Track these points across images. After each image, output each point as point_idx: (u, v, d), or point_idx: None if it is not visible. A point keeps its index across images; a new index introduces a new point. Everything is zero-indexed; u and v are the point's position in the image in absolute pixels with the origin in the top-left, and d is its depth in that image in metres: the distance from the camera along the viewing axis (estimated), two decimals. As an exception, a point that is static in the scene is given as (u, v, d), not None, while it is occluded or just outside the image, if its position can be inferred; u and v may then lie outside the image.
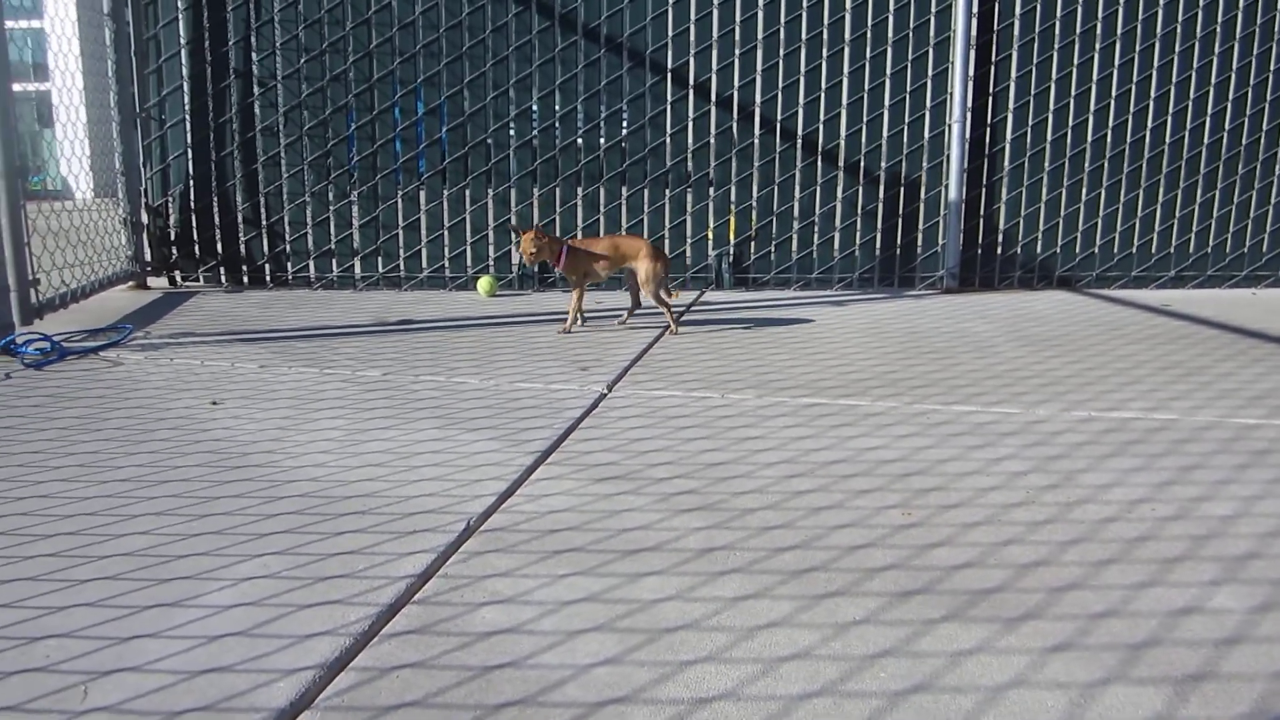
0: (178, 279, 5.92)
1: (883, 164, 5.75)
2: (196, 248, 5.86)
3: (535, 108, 5.70)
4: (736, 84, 5.66)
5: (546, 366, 3.95)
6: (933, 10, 5.59)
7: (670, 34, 5.60)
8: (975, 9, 5.57)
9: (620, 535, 2.28)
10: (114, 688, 1.67)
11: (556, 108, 5.68)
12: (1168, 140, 5.70)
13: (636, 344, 4.33)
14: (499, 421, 3.20)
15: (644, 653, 1.76)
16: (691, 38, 5.61)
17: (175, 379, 3.76)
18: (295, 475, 2.70)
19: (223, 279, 5.92)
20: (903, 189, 5.80)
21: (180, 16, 5.58)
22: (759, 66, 5.64)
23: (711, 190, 5.78)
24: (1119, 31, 5.60)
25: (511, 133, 5.73)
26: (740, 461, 2.80)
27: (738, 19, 5.58)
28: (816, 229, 5.83)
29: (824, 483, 2.62)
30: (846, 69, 5.65)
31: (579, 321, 4.73)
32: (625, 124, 5.69)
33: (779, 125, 5.71)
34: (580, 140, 5.73)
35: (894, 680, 1.67)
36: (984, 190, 5.79)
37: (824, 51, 5.63)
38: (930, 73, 5.66)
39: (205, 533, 2.31)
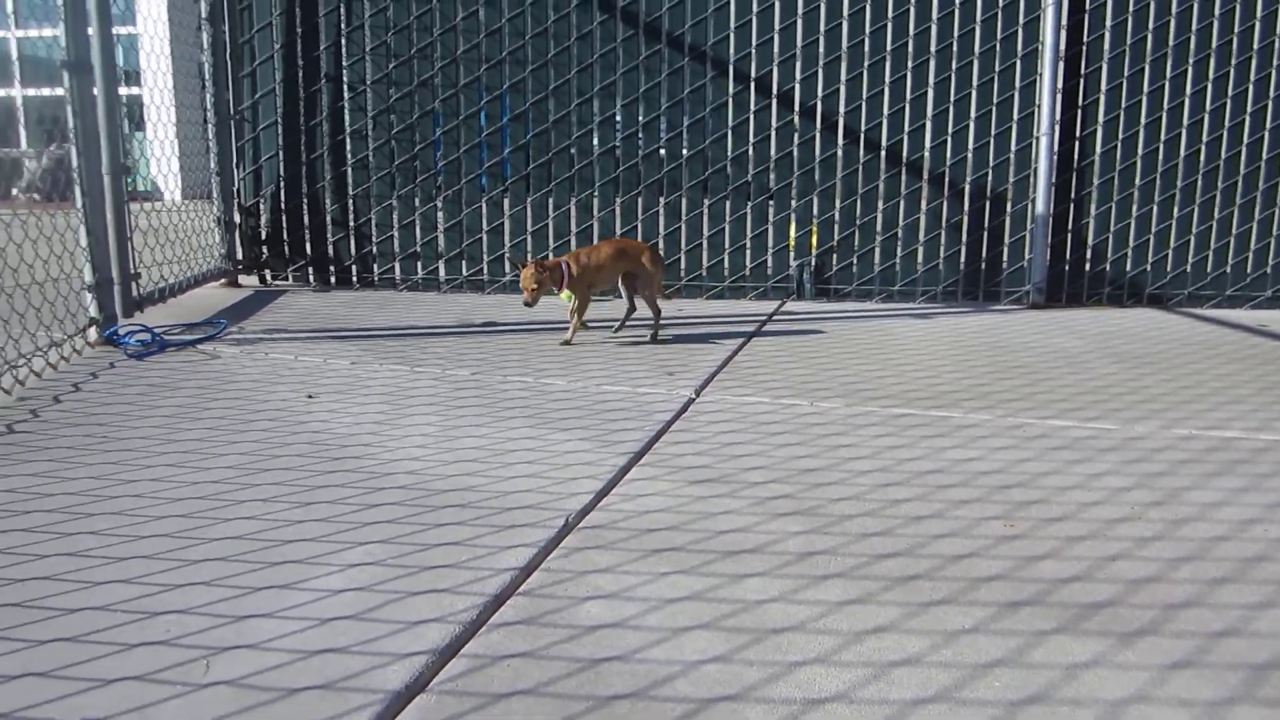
0: (267, 277, 6.05)
1: (968, 176, 5.69)
2: (286, 247, 5.98)
3: (618, 115, 5.73)
4: (820, 93, 5.64)
5: (632, 370, 3.96)
6: (1020, 21, 5.52)
7: (754, 42, 5.59)
8: (1064, 21, 5.49)
9: (719, 536, 2.28)
10: (234, 663, 1.71)
11: (640, 115, 5.71)
12: (1264, 156, 5.56)
13: (721, 351, 4.33)
14: (589, 422, 3.22)
15: (752, 652, 1.75)
16: (776, 46, 5.60)
17: (271, 373, 3.84)
18: (393, 468, 2.74)
19: (310, 279, 6.03)
20: (988, 202, 5.73)
21: (274, 22, 5.70)
22: (843, 76, 5.62)
23: (794, 200, 5.76)
24: (1214, 45, 5.48)
25: (594, 140, 5.77)
26: (834, 469, 2.78)
27: (822, 28, 5.56)
28: (900, 241, 5.78)
29: (921, 492, 2.60)
30: (932, 80, 5.60)
31: (578, 331, 4.60)
32: (708, 132, 5.69)
33: (863, 135, 5.68)
34: (663, 148, 5.75)
35: (1009, 690, 1.64)
36: (1072, 205, 5.70)
37: (909, 62, 5.59)
38: (1018, 85, 5.58)
39: (310, 520, 2.36)
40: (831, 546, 2.22)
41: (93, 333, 4.19)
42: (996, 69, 5.56)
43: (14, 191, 11.98)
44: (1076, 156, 5.65)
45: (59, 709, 1.58)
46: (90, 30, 4.10)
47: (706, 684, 1.65)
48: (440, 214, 5.90)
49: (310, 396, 3.50)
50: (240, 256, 5.93)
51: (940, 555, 2.19)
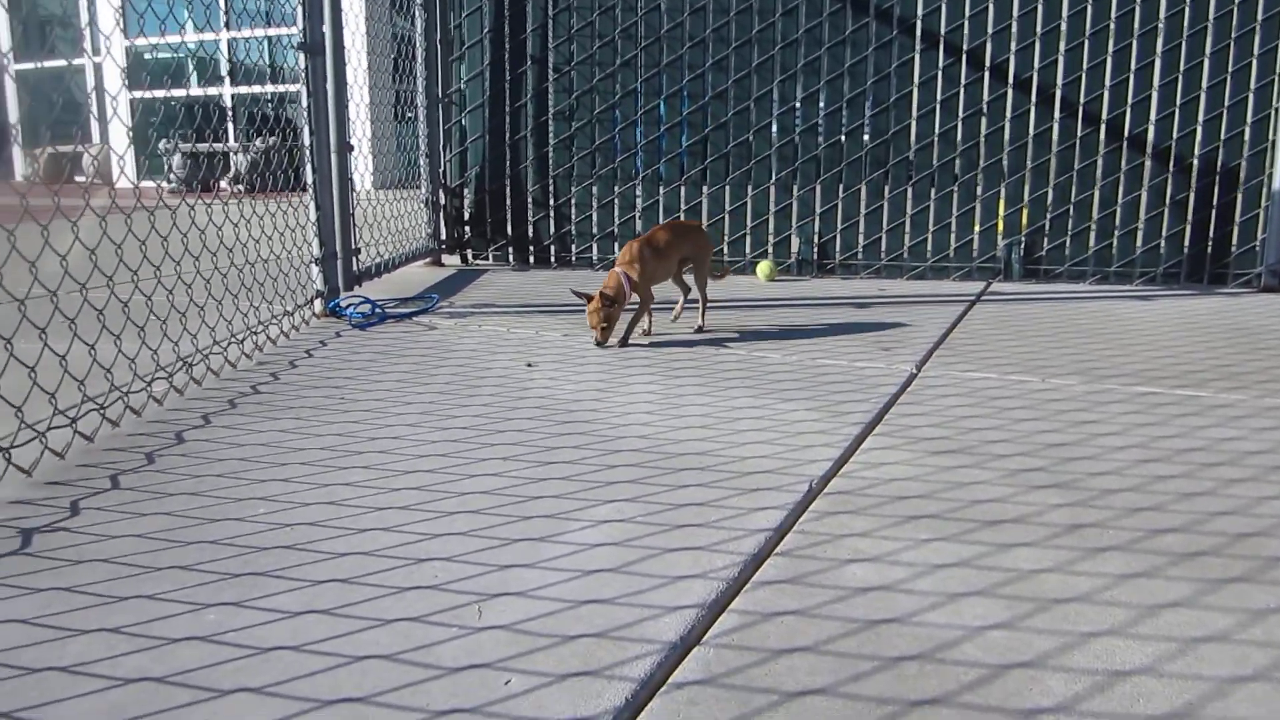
0: (469, 257, 6.20)
1: (1196, 151, 5.33)
2: (488, 228, 6.12)
3: (822, 91, 5.60)
4: (1037, 65, 5.38)
5: (845, 345, 3.86)
6: (1262, -16, 5.13)
7: (967, 13, 5.38)
8: (1313, -19, 5.07)
9: (974, 506, 2.18)
10: (504, 609, 1.72)
11: (845, 91, 5.57)
12: None
13: (933, 329, 4.18)
14: (812, 393, 3.14)
15: (1038, 621, 1.65)
16: (990, 17, 5.38)
17: (487, 343, 3.91)
18: (624, 432, 2.74)
19: (510, 258, 6.15)
20: (1218, 178, 5.35)
21: (484, 6, 5.83)
22: (1062, 47, 5.34)
23: (1004, 177, 5.52)
24: None
25: (797, 116, 5.67)
26: (1084, 444, 2.63)
27: (1041, -3, 5.31)
28: (1118, 219, 5.46)
29: (1186, 469, 2.42)
30: (1160, 48, 5.27)
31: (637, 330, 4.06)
32: (915, 108, 5.51)
33: (1081, 109, 5.39)
34: (868, 124, 5.60)
35: (1338, 672, 1.49)
36: (1314, 181, 5.27)
37: (1135, 30, 5.27)
38: (1256, 52, 5.19)
39: (552, 478, 2.37)
40: (1100, 520, 2.09)
41: (318, 304, 4.36)
42: (1232, 35, 5.18)
43: (222, 184, 12.69)
44: (1321, 128, 5.22)
45: (344, 644, 1.61)
46: (325, 19, 4.25)
47: (996, 650, 1.56)
48: (639, 193, 5.91)
49: (530, 365, 3.55)
50: (444, 237, 6.09)
51: (1224, 533, 2.02)
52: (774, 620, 1.67)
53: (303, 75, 4.11)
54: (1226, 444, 2.63)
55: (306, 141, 4.20)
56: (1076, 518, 2.11)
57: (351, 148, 4.51)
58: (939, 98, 5.49)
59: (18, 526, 2.09)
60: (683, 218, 5.84)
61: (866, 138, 5.63)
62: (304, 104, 4.15)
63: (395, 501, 2.23)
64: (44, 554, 1.95)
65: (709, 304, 4.24)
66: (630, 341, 3.95)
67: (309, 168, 4.23)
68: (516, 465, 2.47)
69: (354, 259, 4.62)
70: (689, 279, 4.26)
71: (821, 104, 5.64)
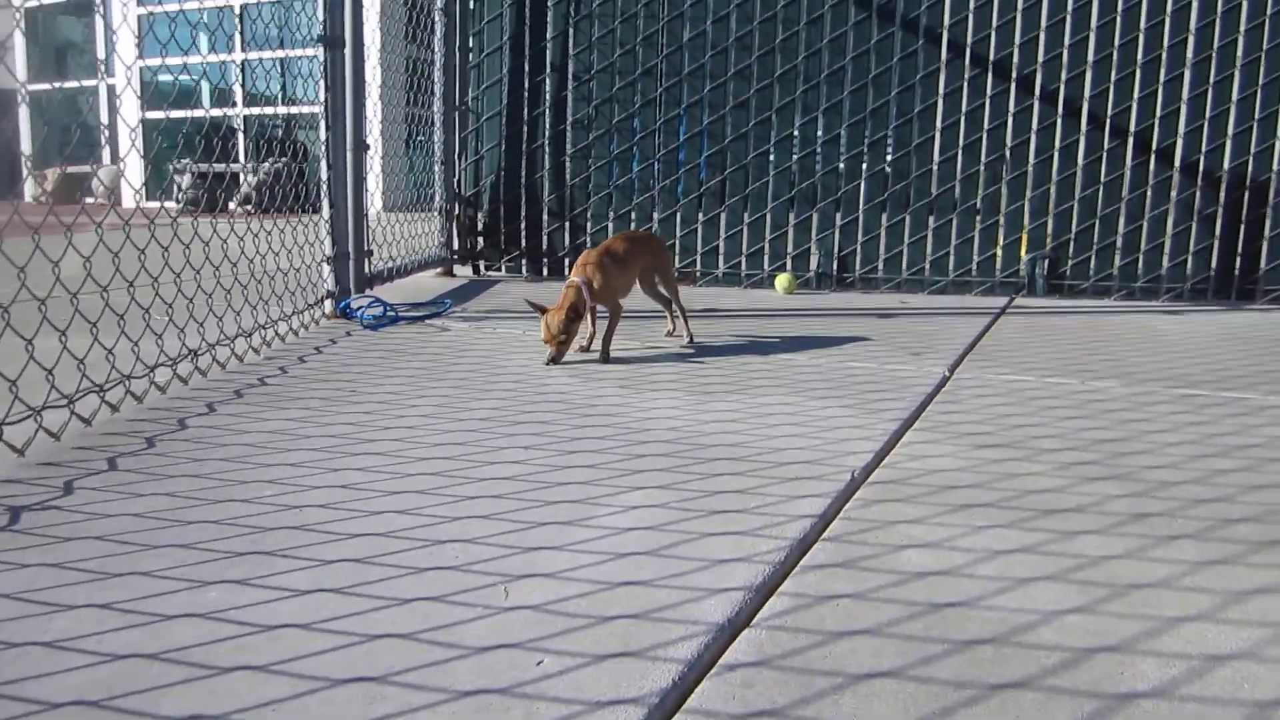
0: (480, 268, 6.08)
1: (1225, 163, 5.21)
2: (502, 238, 6.00)
3: (846, 101, 5.50)
4: (1064, 77, 5.27)
5: (872, 350, 3.73)
6: (1292, -5, 5.03)
7: (994, 24, 5.28)
8: (1345, -7, 4.97)
9: (1030, 496, 2.04)
10: (532, 590, 1.58)
11: (868, 101, 5.47)
12: None
13: (961, 337, 4.04)
14: (844, 392, 3.01)
15: (1117, 606, 1.51)
16: (1017, 28, 5.28)
17: (502, 345, 3.79)
18: (650, 426, 2.60)
19: (523, 270, 6.03)
20: (1247, 191, 5.23)
21: (505, 12, 5.74)
22: (1090, 58, 5.24)
23: (1029, 190, 5.40)
24: None
25: (818, 127, 5.56)
26: (1135, 440, 2.49)
27: (1069, 7, 5.21)
28: (1144, 234, 5.34)
29: (1247, 464, 2.28)
30: (1190, 59, 5.16)
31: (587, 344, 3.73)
32: (940, 119, 5.40)
33: (1109, 120, 5.28)
34: (891, 136, 5.50)
35: None
36: (1346, 196, 5.14)
37: (1165, 41, 5.17)
38: (1287, 64, 5.09)
39: (576, 465, 2.24)
40: (1165, 510, 1.95)
41: (328, 304, 4.24)
42: (1264, 46, 5.07)
43: (231, 205, 12.60)
44: (1354, 142, 5.10)
45: (357, 623, 1.48)
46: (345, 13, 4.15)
47: (1076, 635, 1.42)
48: (657, 205, 5.79)
49: (547, 363, 3.42)
50: (456, 246, 5.97)
51: (1302, 525, 1.88)
52: (829, 603, 1.53)
53: (321, 69, 4.01)
54: (1287, 443, 2.49)
55: (323, 138, 4.09)
56: (1140, 507, 1.96)
57: (368, 146, 4.40)
58: (964, 109, 5.38)
59: (6, 504, 1.96)
60: (700, 231, 5.72)
61: (889, 150, 5.52)
62: (321, 98, 4.05)
63: (411, 486, 2.09)
64: (33, 530, 1.82)
65: (689, 313, 3.96)
66: (611, 356, 3.58)
67: (324, 164, 4.12)
68: (538, 454, 2.33)
69: (366, 261, 4.50)
70: (663, 291, 3.92)
71: (844, 115, 5.53)
